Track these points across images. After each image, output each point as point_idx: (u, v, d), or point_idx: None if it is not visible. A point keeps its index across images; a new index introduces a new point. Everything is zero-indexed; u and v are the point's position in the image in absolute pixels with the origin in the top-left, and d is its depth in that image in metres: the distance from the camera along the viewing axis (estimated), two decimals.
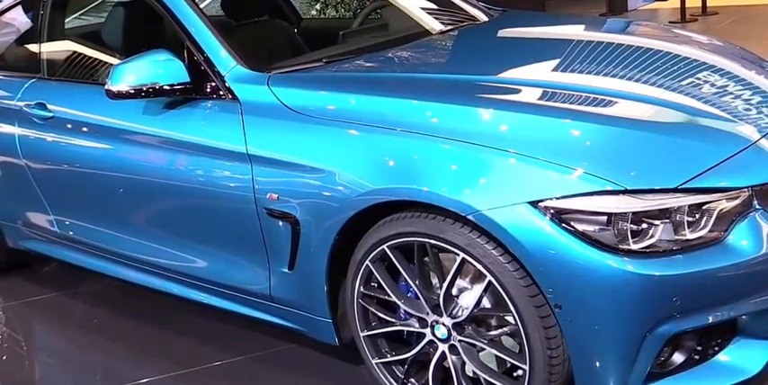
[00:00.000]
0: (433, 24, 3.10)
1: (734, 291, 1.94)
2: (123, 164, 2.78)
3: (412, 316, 2.22)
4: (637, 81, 2.36)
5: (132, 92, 2.51)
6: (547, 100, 2.24)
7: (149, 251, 2.89)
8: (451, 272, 2.06)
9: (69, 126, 2.98)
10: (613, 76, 2.39)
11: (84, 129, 2.92)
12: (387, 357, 2.33)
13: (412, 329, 2.24)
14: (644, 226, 1.88)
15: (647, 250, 1.87)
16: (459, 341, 2.14)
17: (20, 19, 3.62)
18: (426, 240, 2.07)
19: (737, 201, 1.95)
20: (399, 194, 2.07)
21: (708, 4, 8.58)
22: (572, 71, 2.47)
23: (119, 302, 3.40)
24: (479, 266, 2.00)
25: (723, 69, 2.52)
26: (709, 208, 1.92)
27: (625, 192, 1.86)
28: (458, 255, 2.02)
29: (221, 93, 2.51)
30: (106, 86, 2.54)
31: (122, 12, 3.04)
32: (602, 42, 2.74)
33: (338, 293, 2.38)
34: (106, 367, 2.97)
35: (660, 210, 1.88)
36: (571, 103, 2.21)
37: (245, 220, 2.46)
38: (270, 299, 2.57)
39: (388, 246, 2.16)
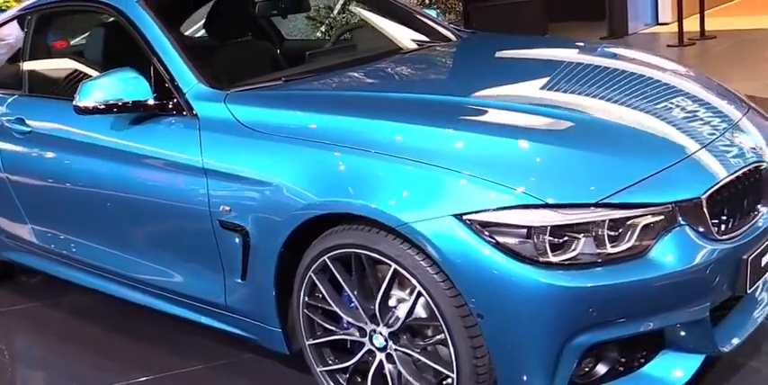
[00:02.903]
0: (401, 44, 3.20)
1: (654, 304, 2.00)
2: (91, 177, 2.89)
3: (352, 325, 2.30)
4: (576, 97, 2.44)
5: (98, 108, 2.63)
6: (478, 116, 2.33)
7: (117, 261, 2.99)
8: (385, 282, 2.14)
9: (44, 140, 3.10)
10: (553, 91, 2.48)
11: (57, 143, 3.04)
12: (331, 365, 2.40)
13: (352, 338, 2.31)
14: (565, 239, 1.95)
15: (567, 263, 1.93)
16: (395, 350, 2.22)
17: (16, 34, 3.75)
18: (362, 251, 2.16)
19: (661, 217, 2.01)
20: (335, 207, 2.16)
21: (706, 29, 8.65)
22: (513, 88, 2.56)
23: (95, 312, 3.50)
24: (410, 277, 2.07)
25: (668, 87, 2.60)
26: (633, 223, 1.99)
27: (545, 206, 1.94)
28: (390, 266, 2.10)
29: (182, 109, 2.62)
30: (74, 102, 2.66)
31: (101, 32, 3.19)
32: (555, 61, 2.83)
33: (288, 304, 2.46)
34: (78, 373, 3.07)
35: (580, 224, 1.95)
36: (501, 120, 2.29)
37: (201, 232, 2.55)
38: (226, 309, 2.65)
39: (328, 258, 2.24)
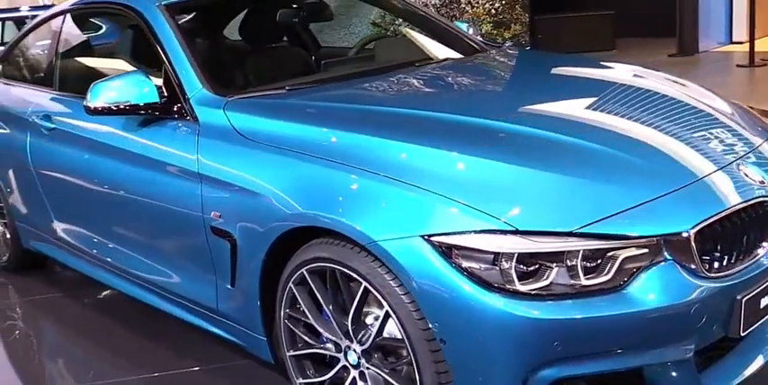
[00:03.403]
0: (419, 57, 3.16)
1: (630, 342, 1.91)
2: (101, 175, 2.96)
3: (330, 340, 2.27)
4: (573, 119, 2.35)
5: (107, 108, 2.68)
6: (461, 134, 2.26)
7: (123, 258, 3.05)
8: (356, 299, 2.11)
9: (64, 137, 3.20)
10: (551, 113, 2.40)
11: (74, 140, 3.13)
12: (309, 378, 2.38)
13: (328, 353, 2.29)
14: (537, 267, 1.88)
15: (537, 292, 1.86)
16: (367, 368, 2.18)
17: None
18: (336, 267, 2.13)
19: (645, 251, 1.92)
20: (311, 221, 2.14)
21: None
22: (510, 107, 2.49)
23: (112, 306, 3.60)
24: (379, 296, 2.03)
25: (678, 113, 2.48)
26: (614, 255, 1.90)
27: (516, 232, 1.87)
28: (361, 283, 2.07)
29: (186, 114, 2.65)
30: (84, 102, 2.72)
31: (131, 33, 3.26)
32: (563, 82, 2.74)
33: (274, 313, 2.46)
34: (81, 365, 3.16)
35: (553, 253, 1.87)
36: (484, 139, 2.22)
37: (195, 236, 2.57)
38: (218, 314, 2.67)
39: (306, 270, 2.23)
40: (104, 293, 3.74)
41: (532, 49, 10.89)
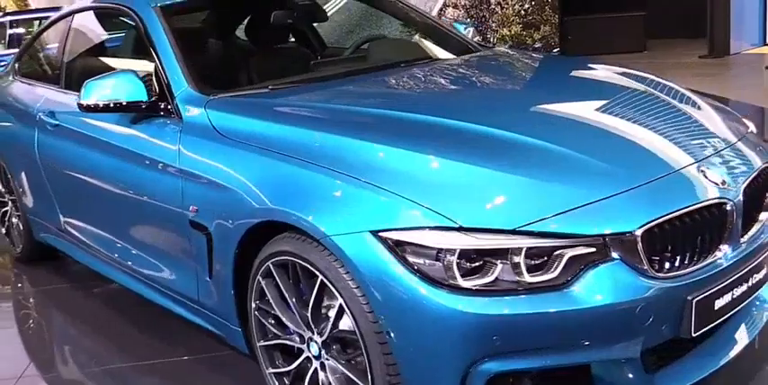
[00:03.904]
0: (409, 57, 3.22)
1: (573, 339, 1.94)
2: (96, 169, 3.09)
3: (295, 331, 2.35)
4: (534, 120, 2.40)
5: (98, 106, 2.80)
6: (420, 133, 2.31)
7: (117, 250, 3.18)
8: (314, 292, 2.18)
9: (65, 133, 3.33)
10: (511, 112, 2.44)
11: (73, 136, 3.26)
12: (279, 368, 2.46)
13: (293, 344, 2.36)
14: (482, 264, 1.92)
15: (481, 288, 1.91)
16: (327, 360, 2.25)
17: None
18: (297, 260, 2.20)
19: (592, 250, 1.95)
20: (275, 216, 2.22)
21: None
22: (473, 106, 2.54)
23: (115, 297, 3.71)
24: (333, 289, 2.10)
25: (644, 110, 2.50)
26: (561, 253, 1.94)
27: (459, 229, 1.92)
28: (317, 276, 2.14)
29: (172, 111, 2.75)
30: (77, 100, 2.84)
31: (132, 34, 3.38)
32: (532, 81, 2.77)
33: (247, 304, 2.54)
34: (84, 349, 3.33)
35: (495, 250, 1.92)
36: (440, 138, 2.27)
37: (178, 230, 2.67)
38: (199, 304, 2.76)
39: (272, 263, 2.30)
40: (110, 285, 3.86)
41: (561, 50, 10.85)
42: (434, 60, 3.19)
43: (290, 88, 2.83)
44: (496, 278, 1.92)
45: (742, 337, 2.37)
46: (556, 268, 1.93)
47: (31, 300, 4.01)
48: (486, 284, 1.92)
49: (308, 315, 2.24)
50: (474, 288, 1.90)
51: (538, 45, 10.89)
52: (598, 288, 1.94)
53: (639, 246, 1.97)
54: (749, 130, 2.69)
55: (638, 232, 1.97)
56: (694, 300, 2.04)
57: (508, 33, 10.92)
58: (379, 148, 2.21)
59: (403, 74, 2.95)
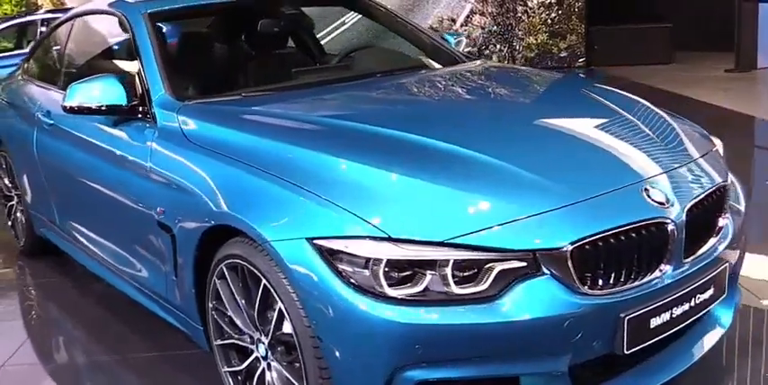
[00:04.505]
0: (389, 67, 3.28)
1: (496, 351, 1.98)
2: (81, 168, 3.22)
3: (245, 332, 2.42)
4: (482, 134, 2.44)
5: (80, 108, 2.91)
6: (367, 145, 2.37)
7: (102, 249, 3.29)
8: (259, 295, 2.25)
9: (58, 132, 3.46)
10: (465, 128, 2.49)
11: (64, 135, 3.39)
12: (234, 367, 2.54)
13: (244, 344, 2.44)
14: (411, 273, 1.98)
15: (408, 297, 1.96)
16: (272, 360, 2.32)
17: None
18: (245, 264, 2.28)
19: (523, 264, 1.99)
20: (226, 220, 2.30)
21: None
22: (425, 120, 2.60)
23: (109, 294, 3.78)
24: (274, 293, 2.17)
25: (596, 130, 2.53)
26: (491, 266, 1.98)
27: (389, 239, 1.97)
28: (261, 280, 2.21)
29: (148, 116, 2.86)
30: (62, 102, 2.96)
31: (125, 38, 3.49)
32: (503, 96, 2.82)
33: None
34: (72, 342, 3.49)
35: (425, 261, 1.97)
36: (384, 150, 2.32)
37: (148, 230, 2.77)
38: (167, 302, 2.86)
39: (224, 266, 2.39)
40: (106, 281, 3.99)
41: (586, 61, 10.79)
42: (413, 71, 3.25)
43: (262, 96, 2.92)
44: (426, 288, 1.97)
45: (688, 356, 2.39)
46: (485, 281, 1.98)
47: (28, 293, 4.15)
48: (414, 294, 1.97)
49: (255, 317, 2.31)
50: (401, 297, 1.96)
51: (563, 54, 10.87)
52: (526, 302, 1.98)
53: (569, 262, 2.01)
54: (713, 149, 2.70)
55: (569, 248, 2.00)
56: (627, 318, 2.07)
57: (534, 42, 10.92)
58: (324, 158, 2.28)
59: (374, 85, 3.02)
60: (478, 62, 3.50)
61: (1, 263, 4.61)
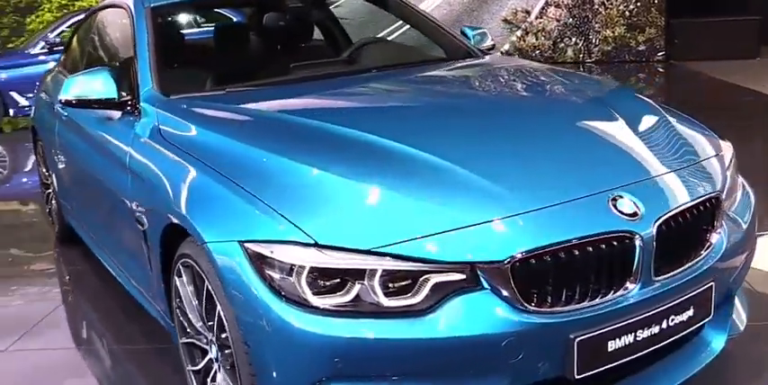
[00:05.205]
0: (390, 62, 3.18)
1: (425, 368, 1.87)
2: (80, 158, 3.29)
3: (201, 332, 2.39)
4: (439, 135, 2.32)
5: (75, 101, 2.95)
6: (315, 145, 2.29)
7: (102, 240, 3.35)
8: (204, 297, 2.21)
9: (71, 124, 3.54)
10: (428, 130, 2.37)
11: (71, 127, 3.46)
12: (196, 366, 2.51)
13: (199, 344, 2.41)
14: (340, 282, 1.88)
15: (333, 307, 1.87)
16: (222, 362, 2.28)
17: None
18: (193, 264, 2.24)
19: (461, 277, 1.86)
20: (178, 218, 2.26)
21: None
22: (385, 118, 2.51)
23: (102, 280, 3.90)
24: (214, 295, 2.12)
25: (573, 135, 2.38)
26: (427, 278, 1.87)
27: (315, 245, 1.88)
28: (205, 281, 2.17)
29: (136, 110, 2.86)
30: (58, 95, 3.01)
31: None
32: (486, 95, 2.70)
33: None
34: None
35: (353, 270, 1.87)
36: (332, 150, 2.24)
37: (130, 223, 2.78)
38: (151, 296, 2.87)
39: (181, 264, 2.35)
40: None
41: (666, 55, 10.29)
42: (412, 67, 3.14)
43: (245, 92, 2.87)
44: (357, 298, 1.87)
45: (667, 381, 2.20)
46: (419, 293, 1.86)
47: (59, 280, 4.25)
48: (342, 304, 1.87)
49: (204, 318, 2.27)
50: (326, 307, 1.86)
51: (641, 48, 10.40)
52: (461, 318, 1.86)
53: (510, 277, 1.86)
54: (716, 155, 2.47)
55: (509, 262, 1.86)
56: (577, 339, 1.91)
57: (611, 35, 10.50)
58: (272, 158, 2.21)
59: (361, 81, 2.93)
60: (488, 58, 3.35)
61: (38, 248, 4.77)
